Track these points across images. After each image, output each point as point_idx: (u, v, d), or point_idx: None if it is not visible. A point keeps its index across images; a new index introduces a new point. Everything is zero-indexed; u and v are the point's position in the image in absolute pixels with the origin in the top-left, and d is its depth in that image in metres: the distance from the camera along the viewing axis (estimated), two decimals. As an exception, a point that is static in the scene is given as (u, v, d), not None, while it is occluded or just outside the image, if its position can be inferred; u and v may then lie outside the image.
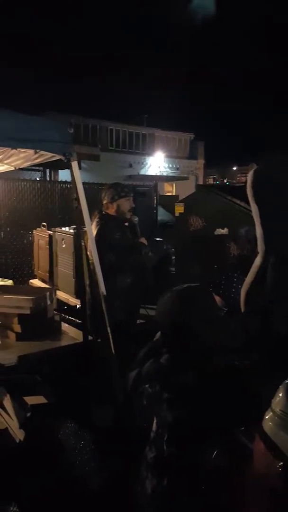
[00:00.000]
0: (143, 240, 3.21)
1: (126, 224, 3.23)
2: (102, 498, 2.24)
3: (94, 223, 3.06)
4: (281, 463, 1.03)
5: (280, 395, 1.08)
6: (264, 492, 1.10)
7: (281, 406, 1.06)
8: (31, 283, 4.64)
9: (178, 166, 23.09)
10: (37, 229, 4.65)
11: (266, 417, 1.10)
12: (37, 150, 2.88)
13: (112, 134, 20.57)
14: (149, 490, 1.53)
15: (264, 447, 1.08)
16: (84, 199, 2.82)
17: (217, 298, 2.14)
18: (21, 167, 3.45)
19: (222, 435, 1.42)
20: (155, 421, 1.56)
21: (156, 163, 21.89)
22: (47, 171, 7.55)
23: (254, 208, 1.65)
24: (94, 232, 2.99)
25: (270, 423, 1.08)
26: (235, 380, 1.49)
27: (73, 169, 2.79)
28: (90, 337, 2.92)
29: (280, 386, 1.10)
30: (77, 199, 2.81)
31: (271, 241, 1.64)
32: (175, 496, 1.47)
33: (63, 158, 2.74)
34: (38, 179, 7.17)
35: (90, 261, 2.96)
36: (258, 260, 1.68)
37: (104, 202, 3.14)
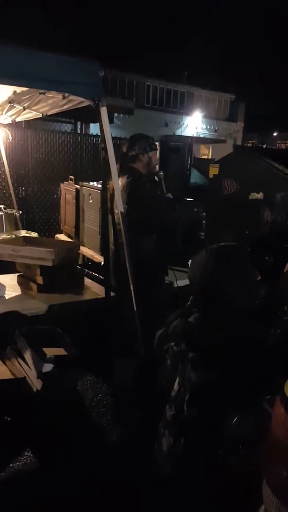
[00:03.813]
0: (169, 195, 3.06)
1: (156, 178, 3.08)
2: (117, 450, 2.26)
3: (124, 178, 2.91)
4: None
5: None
6: (282, 460, 1.02)
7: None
8: (57, 237, 4.62)
9: (216, 128, 22.19)
10: (65, 182, 4.56)
11: None
12: (66, 95, 2.73)
13: (149, 91, 19.83)
14: (165, 448, 1.53)
15: (285, 412, 1.00)
16: (112, 150, 2.67)
17: None
18: (49, 113, 3.31)
19: (246, 401, 1.35)
20: (177, 380, 1.51)
21: (193, 124, 21.09)
22: (78, 123, 7.37)
23: None
24: (121, 187, 2.85)
25: None
26: (264, 347, 1.40)
27: (101, 116, 2.62)
28: (112, 293, 2.87)
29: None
30: (105, 149, 2.66)
31: None
32: (190, 456, 1.44)
33: (91, 103, 2.57)
34: (68, 131, 7.01)
35: (115, 216, 2.85)
36: None
37: (133, 153, 2.95)
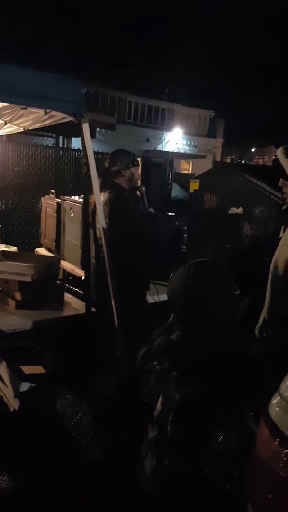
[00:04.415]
0: (150, 209, 3.08)
1: (138, 193, 3.11)
2: (97, 470, 2.20)
3: (106, 193, 2.92)
4: (286, 451, 0.94)
5: (291, 381, 0.97)
6: (266, 483, 1.01)
7: (291, 393, 0.96)
8: (37, 251, 4.56)
9: (196, 144, 22.57)
10: (46, 196, 4.54)
11: (273, 402, 1.02)
12: (48, 110, 2.74)
13: (131, 107, 20.07)
14: (148, 470, 1.50)
15: (269, 434, 0.99)
16: (94, 165, 2.68)
17: None
18: (30, 128, 3.30)
19: (230, 419, 1.34)
20: (160, 399, 1.50)
21: (174, 139, 21.41)
22: (60, 138, 7.38)
23: None
24: (104, 201, 2.86)
25: (277, 409, 0.99)
26: (247, 362, 1.41)
27: (83, 132, 2.64)
28: (93, 309, 2.84)
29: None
30: (87, 164, 2.67)
31: None
32: (175, 477, 1.43)
33: (73, 119, 2.59)
34: (50, 145, 7.00)
35: (97, 231, 2.85)
36: None
37: (115, 169, 2.97)
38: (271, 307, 1.61)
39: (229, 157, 27.48)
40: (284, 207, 1.83)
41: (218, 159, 23.16)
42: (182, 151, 20.84)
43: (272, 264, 1.64)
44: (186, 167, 20.63)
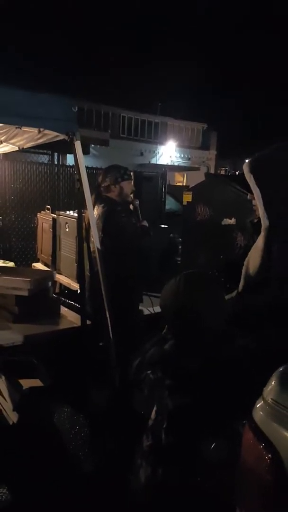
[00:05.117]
0: (144, 223, 3.15)
1: (131, 207, 3.18)
2: (95, 483, 2.22)
3: (99, 207, 2.99)
4: (270, 455, 0.97)
5: (273, 383, 1.02)
6: (253, 487, 1.03)
7: (273, 395, 1.00)
8: (34, 266, 4.61)
9: (189, 156, 22.86)
10: (41, 212, 4.61)
11: (257, 406, 1.04)
12: (41, 129, 2.82)
13: (124, 121, 20.39)
14: (142, 479, 1.50)
15: (253, 438, 1.01)
16: (86, 181, 2.75)
17: None
18: (25, 147, 3.39)
19: (223, 427, 1.37)
20: (154, 408, 1.51)
21: (168, 153, 21.68)
22: (55, 154, 7.51)
23: (256, 191, 1.65)
24: (97, 216, 2.93)
25: (261, 413, 1.02)
26: (239, 370, 1.44)
27: (76, 149, 2.72)
28: (88, 322, 2.88)
29: (273, 374, 1.04)
30: (79, 180, 2.75)
31: (274, 219, 1.63)
32: (169, 486, 1.44)
33: (65, 137, 2.67)
34: (45, 162, 7.12)
35: (91, 245, 2.91)
36: (261, 238, 1.65)
37: (105, 184, 3.05)
38: (241, 299, 1.69)
39: (223, 168, 27.73)
40: (255, 220, 1.94)
41: (212, 170, 23.39)
42: (176, 163, 21.09)
43: (244, 265, 1.73)
44: (180, 180, 20.82)
